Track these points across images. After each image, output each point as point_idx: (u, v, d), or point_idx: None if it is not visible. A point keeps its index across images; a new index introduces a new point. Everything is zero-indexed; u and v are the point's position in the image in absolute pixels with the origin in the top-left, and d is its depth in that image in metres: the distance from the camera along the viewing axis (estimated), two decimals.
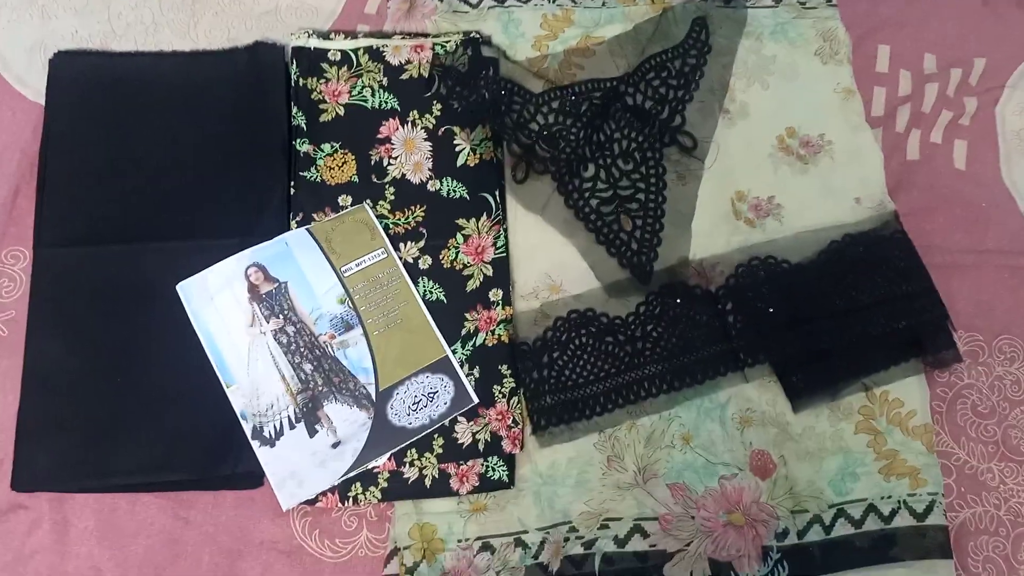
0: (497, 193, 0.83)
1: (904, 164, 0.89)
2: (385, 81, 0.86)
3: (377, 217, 0.81)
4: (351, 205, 0.81)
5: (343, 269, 0.78)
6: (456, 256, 0.80)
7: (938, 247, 0.85)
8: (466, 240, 0.81)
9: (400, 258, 0.79)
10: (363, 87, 0.85)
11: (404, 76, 0.86)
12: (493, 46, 0.89)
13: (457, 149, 0.84)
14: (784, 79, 0.90)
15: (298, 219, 0.80)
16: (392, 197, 0.82)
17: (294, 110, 0.84)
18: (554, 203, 0.83)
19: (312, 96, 0.85)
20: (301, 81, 0.85)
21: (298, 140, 0.83)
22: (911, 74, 0.94)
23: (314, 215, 0.81)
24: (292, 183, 0.82)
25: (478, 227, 0.81)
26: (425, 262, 0.80)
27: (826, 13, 0.93)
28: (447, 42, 0.87)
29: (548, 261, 0.82)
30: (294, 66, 0.85)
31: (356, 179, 0.82)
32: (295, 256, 0.78)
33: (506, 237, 0.81)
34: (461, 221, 0.81)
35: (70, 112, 0.83)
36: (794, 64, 0.91)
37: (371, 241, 0.79)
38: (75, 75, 0.84)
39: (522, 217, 0.83)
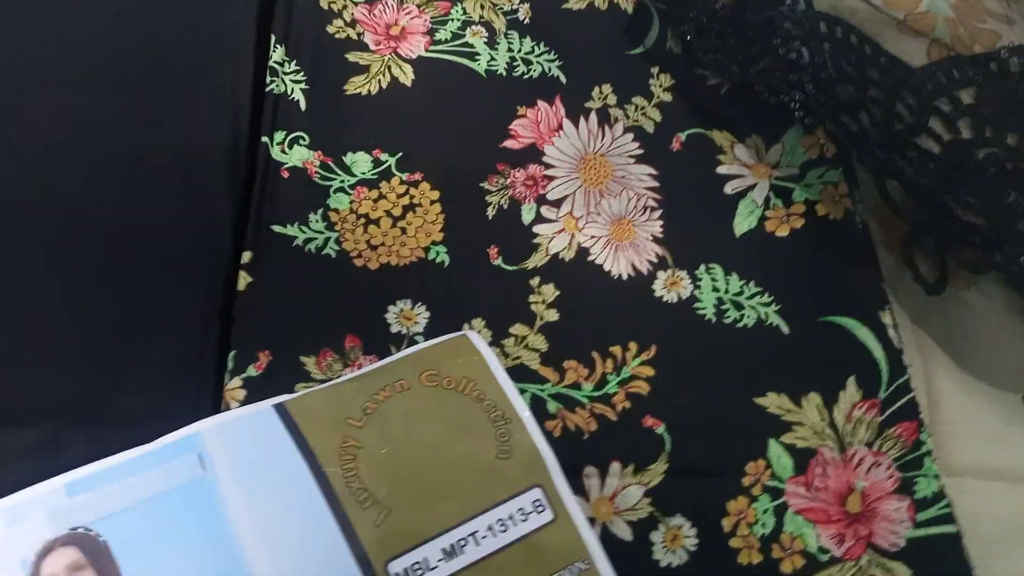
0: (887, 318, 0.27)
1: None
2: (523, 12, 0.32)
3: (510, 371, 0.24)
4: (442, 334, 0.25)
5: (392, 569, 0.21)
6: (770, 524, 0.23)
7: None
8: (803, 471, 0.24)
9: (593, 523, 0.22)
10: (466, 23, 0.32)
11: (572, 2, 0.33)
12: None
13: (731, 190, 0.29)
14: None
15: (249, 372, 0.24)
16: (554, 315, 0.26)
17: (276, 53, 0.29)
18: None
19: (330, 28, 0.31)
20: None
21: (280, 134, 0.28)
22: None
23: (304, 360, 0.24)
24: (249, 252, 0.26)
25: (838, 438, 0.25)
26: (678, 544, 0.23)
27: None
28: None
29: None
30: None
31: (444, 255, 0.27)
32: (221, 507, 0.21)
33: (934, 466, 0.25)
34: (774, 404, 0.25)
35: None
36: None
37: (497, 472, 0.22)
38: None
39: (959, 403, 0.27)
